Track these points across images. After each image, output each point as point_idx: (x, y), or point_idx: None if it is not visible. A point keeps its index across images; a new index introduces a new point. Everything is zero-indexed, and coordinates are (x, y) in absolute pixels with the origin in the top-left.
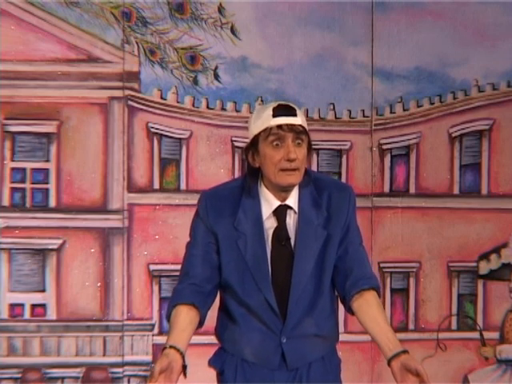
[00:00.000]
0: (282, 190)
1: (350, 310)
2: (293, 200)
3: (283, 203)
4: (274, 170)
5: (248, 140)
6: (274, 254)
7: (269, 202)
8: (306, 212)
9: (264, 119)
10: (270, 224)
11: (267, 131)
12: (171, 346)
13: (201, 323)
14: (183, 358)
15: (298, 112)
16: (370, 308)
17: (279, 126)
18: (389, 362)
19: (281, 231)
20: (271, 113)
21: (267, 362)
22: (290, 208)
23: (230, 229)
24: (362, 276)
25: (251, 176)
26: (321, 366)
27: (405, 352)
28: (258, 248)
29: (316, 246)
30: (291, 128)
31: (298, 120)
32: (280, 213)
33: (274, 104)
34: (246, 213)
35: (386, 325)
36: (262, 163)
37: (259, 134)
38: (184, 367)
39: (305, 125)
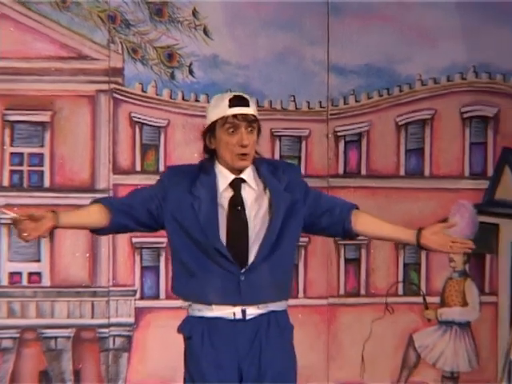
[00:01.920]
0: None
1: (352, 234)
2: (247, 175)
3: (238, 177)
4: (230, 155)
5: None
6: (230, 217)
7: (225, 177)
8: (269, 179)
9: (221, 108)
10: (227, 194)
11: (224, 119)
12: (53, 211)
13: (103, 230)
14: (57, 221)
15: (250, 102)
16: (370, 220)
17: (234, 116)
18: (418, 242)
19: (236, 198)
20: (228, 103)
21: (229, 300)
22: (244, 182)
23: (186, 193)
24: (343, 204)
25: (208, 156)
26: (277, 330)
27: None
28: (210, 208)
29: (282, 207)
30: (245, 117)
31: (251, 110)
32: (236, 185)
33: (230, 95)
34: (203, 183)
35: (389, 224)
36: (218, 146)
37: (216, 121)
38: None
39: (256, 113)
